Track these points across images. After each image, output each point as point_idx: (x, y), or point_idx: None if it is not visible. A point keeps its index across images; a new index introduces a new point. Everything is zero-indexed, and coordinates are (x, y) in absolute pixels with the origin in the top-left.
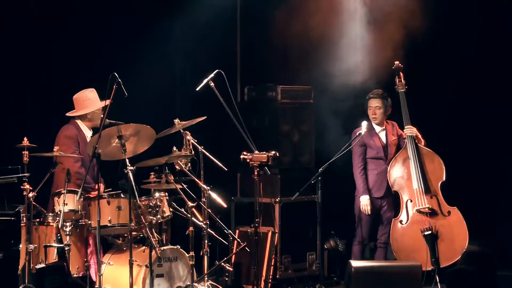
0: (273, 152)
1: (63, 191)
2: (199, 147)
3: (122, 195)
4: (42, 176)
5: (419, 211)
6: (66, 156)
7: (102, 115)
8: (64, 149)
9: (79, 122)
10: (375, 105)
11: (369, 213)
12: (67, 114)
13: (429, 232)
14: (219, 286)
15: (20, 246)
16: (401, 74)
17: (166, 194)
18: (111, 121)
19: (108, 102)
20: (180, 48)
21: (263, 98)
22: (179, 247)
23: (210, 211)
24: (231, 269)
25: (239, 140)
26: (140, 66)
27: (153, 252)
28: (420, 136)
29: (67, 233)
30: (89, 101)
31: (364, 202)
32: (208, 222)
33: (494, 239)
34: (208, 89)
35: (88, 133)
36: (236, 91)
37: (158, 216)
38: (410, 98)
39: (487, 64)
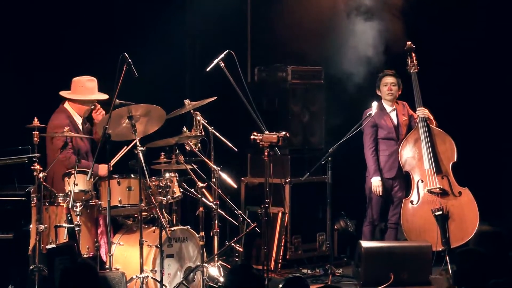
0: (283, 132)
1: (73, 172)
2: (209, 128)
3: (132, 176)
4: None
5: (430, 191)
6: (77, 136)
7: (92, 107)
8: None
9: (68, 107)
10: (390, 81)
11: (381, 194)
12: (61, 92)
13: (440, 212)
14: (229, 267)
15: (31, 226)
16: (413, 54)
17: (176, 174)
18: (122, 101)
19: (102, 96)
20: (190, 29)
21: (273, 79)
22: (189, 227)
23: (220, 191)
24: (241, 249)
25: (249, 121)
26: (150, 47)
27: (163, 232)
28: (432, 117)
29: (77, 213)
30: (84, 89)
31: (375, 183)
32: (218, 203)
33: (505, 220)
34: (218, 69)
35: (78, 119)
36: (246, 71)
37: (168, 196)
38: (420, 77)
39: (498, 41)
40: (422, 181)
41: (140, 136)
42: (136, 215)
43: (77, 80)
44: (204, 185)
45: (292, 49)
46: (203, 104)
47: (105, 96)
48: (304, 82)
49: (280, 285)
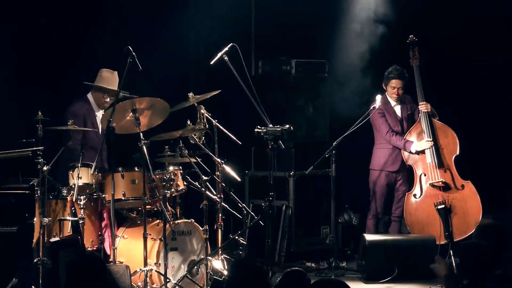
0: (287, 125)
1: (77, 165)
2: (213, 121)
3: (136, 169)
4: (57, 150)
5: (432, 185)
6: (80, 130)
7: (111, 100)
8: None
9: (90, 97)
10: (398, 85)
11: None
12: (85, 82)
13: (443, 206)
14: (233, 260)
15: (35, 219)
16: (416, 48)
17: (180, 167)
18: (125, 94)
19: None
20: (194, 22)
21: (278, 72)
22: (193, 220)
23: (224, 184)
24: (245, 242)
25: (253, 114)
26: (154, 40)
27: (167, 225)
28: (434, 111)
29: (81, 206)
30: (113, 79)
31: (420, 147)
32: (222, 196)
33: (508, 213)
34: (222, 63)
35: (98, 112)
36: (250, 65)
37: (172, 189)
38: (423, 68)
39: (502, 31)
40: (425, 175)
41: (144, 129)
42: (140, 208)
43: (105, 70)
44: (208, 178)
45: (296, 42)
46: (207, 98)
47: (126, 93)
48: (308, 75)
49: (279, 279)
